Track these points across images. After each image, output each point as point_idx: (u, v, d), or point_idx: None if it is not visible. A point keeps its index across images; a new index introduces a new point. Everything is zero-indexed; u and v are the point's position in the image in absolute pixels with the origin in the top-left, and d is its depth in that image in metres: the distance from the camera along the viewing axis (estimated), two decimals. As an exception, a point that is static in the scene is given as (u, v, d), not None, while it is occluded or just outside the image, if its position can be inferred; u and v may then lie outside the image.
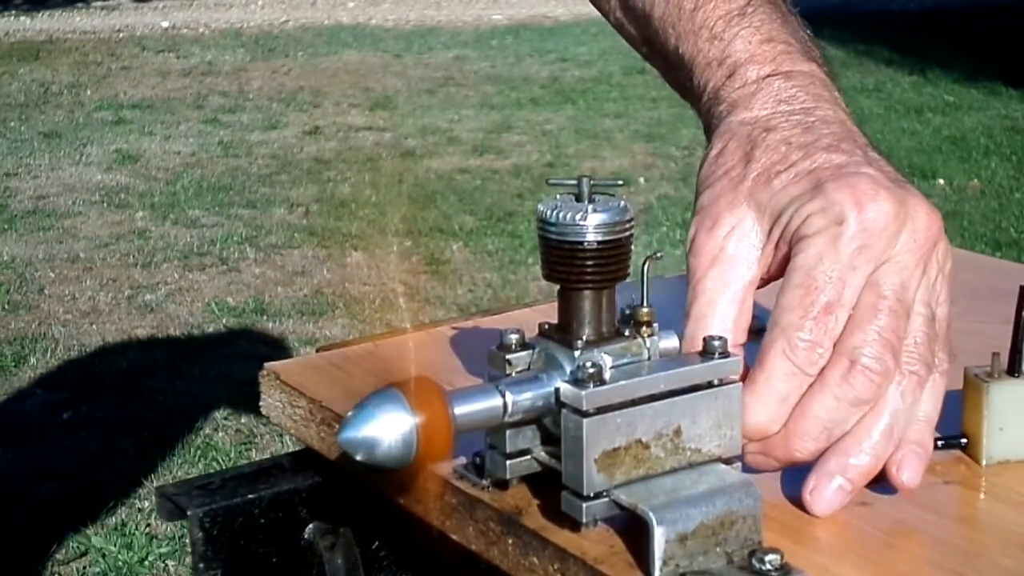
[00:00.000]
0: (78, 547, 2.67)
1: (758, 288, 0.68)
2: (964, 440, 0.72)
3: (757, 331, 0.68)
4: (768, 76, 0.72)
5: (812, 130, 0.69)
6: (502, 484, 0.66)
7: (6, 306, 4.04)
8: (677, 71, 0.78)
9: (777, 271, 0.67)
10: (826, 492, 0.64)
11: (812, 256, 0.64)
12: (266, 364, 0.86)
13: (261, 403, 0.86)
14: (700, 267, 0.67)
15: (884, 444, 0.64)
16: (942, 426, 0.70)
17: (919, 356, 0.65)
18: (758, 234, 0.67)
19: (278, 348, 3.64)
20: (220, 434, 3.14)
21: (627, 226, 0.64)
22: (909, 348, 0.64)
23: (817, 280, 0.63)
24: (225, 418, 3.21)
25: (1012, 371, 0.71)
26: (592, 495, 0.60)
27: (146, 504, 2.80)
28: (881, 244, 0.64)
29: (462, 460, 0.69)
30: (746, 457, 0.65)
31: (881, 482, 0.66)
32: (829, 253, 0.64)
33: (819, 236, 0.64)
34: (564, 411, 0.61)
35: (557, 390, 0.61)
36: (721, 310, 0.67)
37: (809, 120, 0.69)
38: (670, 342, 0.65)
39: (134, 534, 2.69)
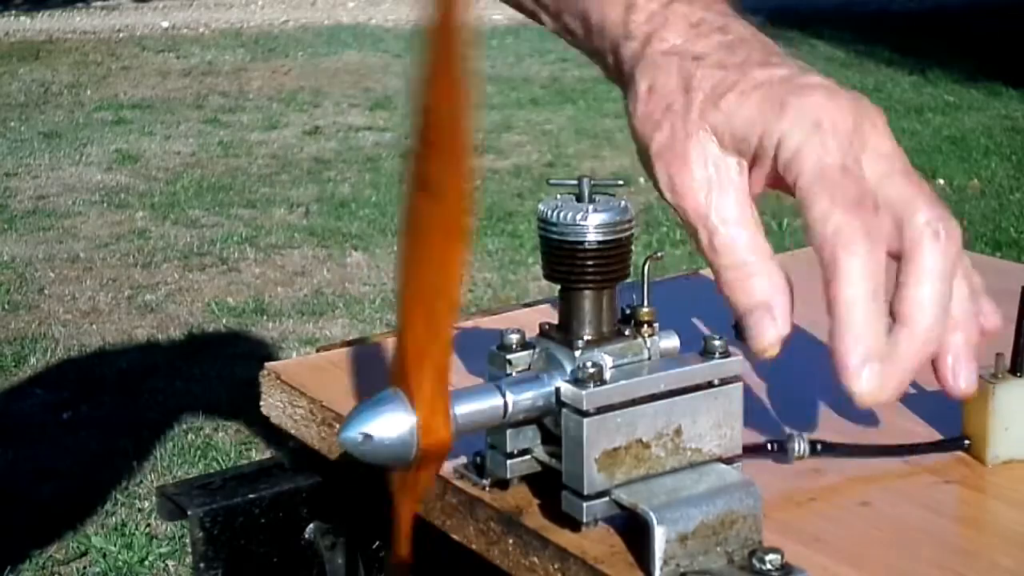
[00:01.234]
0: (78, 547, 2.67)
1: None
2: (967, 441, 0.72)
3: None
4: (670, 3, 0.70)
5: (735, 49, 0.67)
6: (502, 484, 0.66)
7: (6, 306, 4.04)
8: (582, 27, 0.75)
9: (756, 189, 0.66)
10: (966, 369, 0.64)
11: (812, 168, 0.63)
12: (266, 364, 0.86)
13: (261, 403, 0.86)
14: (698, 205, 0.65)
15: (967, 310, 0.64)
16: (942, 427, 0.70)
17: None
18: (726, 157, 0.65)
19: (278, 348, 3.64)
20: (220, 434, 3.14)
21: (627, 226, 0.64)
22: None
23: (832, 178, 0.62)
24: (225, 418, 3.21)
25: (1015, 371, 0.71)
26: (592, 495, 0.60)
27: (146, 504, 2.79)
28: (858, 137, 0.64)
29: (462, 460, 0.69)
30: (855, 393, 0.61)
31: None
32: (823, 156, 0.63)
33: (806, 147, 0.63)
34: (564, 411, 0.61)
35: (558, 390, 0.62)
36: (745, 236, 0.64)
37: (727, 39, 0.68)
38: (670, 342, 0.65)
39: (134, 534, 2.69)
